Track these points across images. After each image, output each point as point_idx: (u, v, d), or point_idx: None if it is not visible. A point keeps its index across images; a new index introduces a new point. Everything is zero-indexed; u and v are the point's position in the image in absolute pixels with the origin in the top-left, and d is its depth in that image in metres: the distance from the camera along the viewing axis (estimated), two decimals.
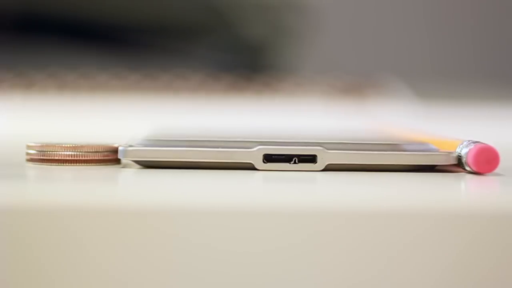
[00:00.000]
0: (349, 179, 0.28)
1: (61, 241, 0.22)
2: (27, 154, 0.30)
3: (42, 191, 0.25)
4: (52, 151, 0.30)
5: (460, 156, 0.29)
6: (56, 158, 0.30)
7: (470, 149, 0.29)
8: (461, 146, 0.29)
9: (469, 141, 0.30)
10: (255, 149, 0.29)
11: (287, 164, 0.29)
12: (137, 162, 0.30)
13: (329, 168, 0.29)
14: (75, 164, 0.30)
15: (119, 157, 0.30)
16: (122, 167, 0.30)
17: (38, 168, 0.29)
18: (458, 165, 0.30)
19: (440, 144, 0.31)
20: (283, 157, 0.29)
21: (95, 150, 0.30)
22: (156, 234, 0.23)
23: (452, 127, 0.49)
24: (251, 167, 0.29)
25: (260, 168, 0.29)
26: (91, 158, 0.30)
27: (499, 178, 0.29)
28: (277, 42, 0.86)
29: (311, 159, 0.29)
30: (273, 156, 0.29)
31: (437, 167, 0.30)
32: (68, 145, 0.30)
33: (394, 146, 0.30)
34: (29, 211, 0.23)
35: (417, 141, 0.31)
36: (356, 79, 0.70)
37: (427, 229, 0.23)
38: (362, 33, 0.99)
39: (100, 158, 0.30)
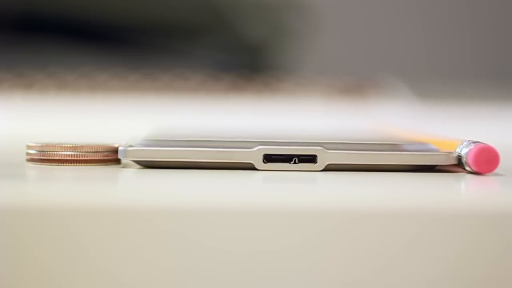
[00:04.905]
0: (349, 179, 0.28)
1: (61, 241, 0.22)
2: (27, 154, 0.30)
3: (42, 191, 0.25)
4: (52, 151, 0.30)
5: (460, 156, 0.29)
6: (56, 158, 0.30)
7: (470, 149, 0.29)
8: (461, 146, 0.29)
9: (469, 141, 0.30)
10: (255, 149, 0.29)
11: (287, 164, 0.29)
12: (137, 162, 0.30)
13: (329, 168, 0.29)
14: (75, 164, 0.30)
15: (119, 157, 0.30)
16: (122, 167, 0.30)
17: (38, 168, 0.29)
18: (458, 165, 0.30)
19: (440, 144, 0.31)
20: (283, 157, 0.29)
21: (95, 150, 0.30)
22: (156, 234, 0.23)
23: (452, 127, 0.49)
24: (251, 167, 0.29)
25: (260, 168, 0.29)
26: (91, 158, 0.30)
27: (499, 178, 0.29)
28: (277, 42, 0.86)
29: (311, 159, 0.29)
30: (273, 156, 0.29)
31: (437, 167, 0.30)
32: (68, 145, 0.30)
33: (394, 146, 0.30)
34: (29, 211, 0.23)
35: (417, 141, 0.31)
36: (356, 80, 0.70)
37: (427, 229, 0.23)
38: (362, 33, 0.99)
39: (100, 158, 0.30)
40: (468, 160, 0.29)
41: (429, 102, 0.63)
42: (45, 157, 0.30)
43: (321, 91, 0.66)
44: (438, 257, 0.23)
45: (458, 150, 0.30)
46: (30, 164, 0.30)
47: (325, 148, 0.29)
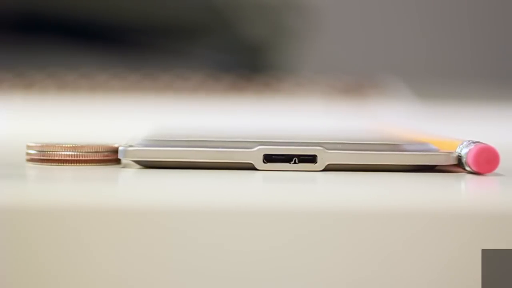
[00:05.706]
0: (349, 179, 0.28)
1: (61, 241, 0.22)
2: (27, 154, 0.30)
3: (42, 191, 0.25)
4: (52, 151, 0.30)
5: (460, 156, 0.29)
6: (56, 158, 0.30)
7: (470, 149, 0.29)
8: (461, 146, 0.29)
9: (469, 141, 0.30)
10: (255, 149, 0.29)
11: (287, 164, 0.29)
12: (137, 162, 0.30)
13: (329, 168, 0.29)
14: (75, 164, 0.30)
15: (119, 157, 0.30)
16: (122, 167, 0.30)
17: (38, 168, 0.29)
18: (458, 165, 0.30)
19: (440, 144, 0.31)
20: (283, 157, 0.29)
21: (95, 150, 0.30)
22: (156, 234, 0.23)
23: (452, 127, 0.49)
24: (251, 167, 0.29)
25: (260, 168, 0.29)
26: (91, 158, 0.30)
27: (499, 178, 0.29)
28: (277, 42, 0.86)
29: (311, 159, 0.29)
30: (273, 156, 0.29)
31: (437, 167, 0.30)
32: (68, 145, 0.30)
33: (394, 146, 0.30)
34: (29, 211, 0.23)
35: (417, 141, 0.31)
36: (356, 80, 0.70)
37: (427, 229, 0.23)
38: (362, 33, 0.99)
39: (100, 158, 0.30)
40: (468, 160, 0.29)
41: (429, 102, 0.63)
42: (45, 157, 0.30)
43: (321, 91, 0.66)
44: (438, 256, 0.23)
45: (458, 150, 0.30)
46: (30, 164, 0.30)
47: (325, 148, 0.29)
